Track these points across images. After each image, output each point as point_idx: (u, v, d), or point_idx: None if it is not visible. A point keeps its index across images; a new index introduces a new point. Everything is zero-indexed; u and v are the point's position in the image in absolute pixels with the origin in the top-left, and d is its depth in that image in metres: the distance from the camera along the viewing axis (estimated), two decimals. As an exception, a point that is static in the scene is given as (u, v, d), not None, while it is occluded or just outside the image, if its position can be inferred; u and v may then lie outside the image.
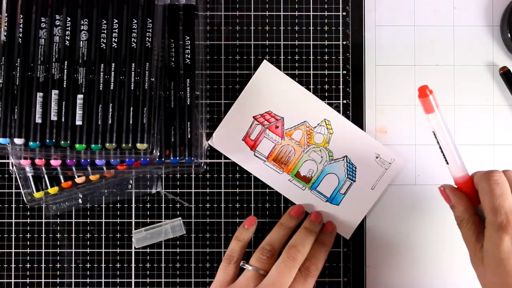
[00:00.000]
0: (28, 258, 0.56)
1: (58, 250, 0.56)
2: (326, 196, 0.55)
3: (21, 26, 0.49)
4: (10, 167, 0.54)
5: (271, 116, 0.55)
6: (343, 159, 0.55)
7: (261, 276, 0.50)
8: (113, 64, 0.50)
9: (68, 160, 0.52)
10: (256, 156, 0.56)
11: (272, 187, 0.56)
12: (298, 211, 0.54)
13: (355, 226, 0.55)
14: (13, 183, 0.56)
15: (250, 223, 0.54)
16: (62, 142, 0.49)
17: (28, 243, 0.56)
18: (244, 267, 0.51)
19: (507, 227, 0.42)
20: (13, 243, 0.56)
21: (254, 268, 0.50)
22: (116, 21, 0.50)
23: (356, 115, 0.56)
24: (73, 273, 0.56)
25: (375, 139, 0.56)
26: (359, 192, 0.55)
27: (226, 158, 0.56)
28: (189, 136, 0.53)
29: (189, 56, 0.53)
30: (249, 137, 0.56)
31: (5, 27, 0.49)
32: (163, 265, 0.56)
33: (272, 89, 0.55)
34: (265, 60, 0.56)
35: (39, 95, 0.49)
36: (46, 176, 0.54)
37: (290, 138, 0.56)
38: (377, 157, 0.55)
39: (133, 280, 0.56)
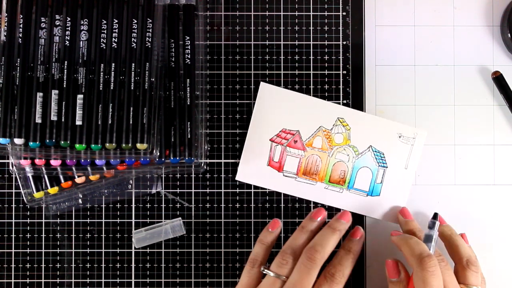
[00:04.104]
0: (28, 258, 0.56)
1: (58, 250, 0.56)
2: (365, 191, 0.55)
3: (21, 26, 0.49)
4: (10, 167, 0.54)
5: (286, 133, 0.55)
6: (369, 150, 0.55)
7: (282, 282, 0.49)
8: (113, 64, 0.50)
9: (68, 160, 0.52)
10: (286, 176, 0.55)
11: (314, 201, 0.56)
12: (318, 213, 0.53)
13: None
14: (13, 183, 0.56)
15: (274, 226, 0.53)
16: (62, 142, 0.49)
17: (28, 243, 0.56)
18: (265, 272, 0.50)
19: None
20: (13, 243, 0.56)
21: (275, 274, 0.49)
22: (116, 21, 0.50)
23: (356, 115, 0.56)
24: (73, 273, 0.56)
25: (375, 139, 0.56)
26: (394, 176, 0.55)
27: (226, 158, 0.56)
28: (189, 136, 0.53)
29: (189, 56, 0.53)
30: (273, 160, 0.55)
31: (5, 27, 0.49)
32: (163, 265, 0.56)
33: (278, 107, 0.55)
34: (262, 82, 0.55)
35: (39, 95, 0.49)
36: (46, 176, 0.54)
37: (312, 148, 0.55)
38: (400, 136, 0.55)
39: (133, 280, 0.56)
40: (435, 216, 0.51)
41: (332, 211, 0.56)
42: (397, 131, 0.55)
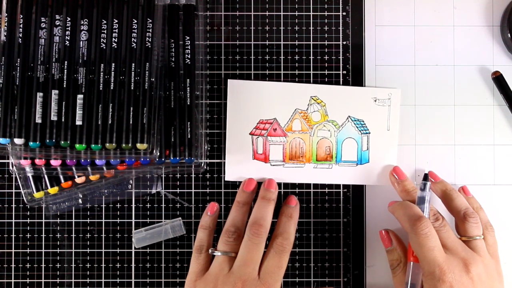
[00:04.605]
0: (28, 258, 0.56)
1: (58, 250, 0.56)
2: (354, 161, 0.56)
3: (21, 26, 0.49)
4: (10, 167, 0.54)
5: (264, 124, 0.56)
6: (348, 120, 0.55)
7: (232, 258, 0.50)
8: (113, 64, 0.50)
9: (68, 160, 0.52)
10: (273, 165, 0.56)
11: (302, 182, 0.56)
12: (249, 184, 0.54)
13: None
14: (13, 183, 0.56)
15: (212, 210, 0.54)
16: (62, 142, 0.49)
17: (28, 243, 0.56)
18: (214, 253, 0.51)
19: (443, 278, 0.45)
20: (13, 243, 0.56)
21: (224, 253, 0.50)
22: (116, 21, 0.50)
23: (356, 115, 0.56)
24: (73, 273, 0.56)
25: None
26: (379, 140, 0.55)
27: (226, 158, 0.56)
28: (189, 136, 0.53)
29: (189, 56, 0.53)
30: (257, 153, 0.56)
31: (5, 27, 0.49)
32: (163, 265, 0.56)
33: (250, 100, 0.55)
34: (229, 80, 0.56)
35: (39, 95, 0.49)
36: (46, 176, 0.54)
37: (292, 132, 0.56)
38: (375, 100, 0.55)
39: (133, 280, 0.56)
40: (425, 177, 0.52)
41: (325, 189, 0.56)
42: (372, 96, 0.55)
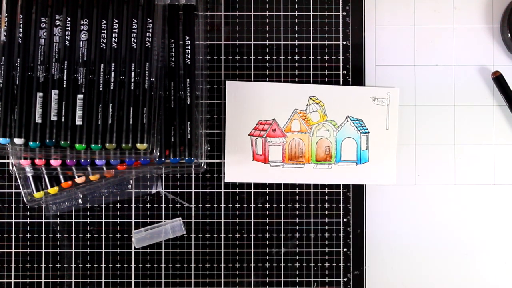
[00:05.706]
0: (28, 258, 0.56)
1: (58, 250, 0.56)
2: (353, 161, 0.56)
3: (21, 26, 0.49)
4: (10, 167, 0.54)
5: (263, 124, 0.56)
6: (347, 120, 0.56)
7: None
8: (113, 64, 0.50)
9: (68, 160, 0.52)
10: (273, 166, 0.56)
11: (302, 183, 0.56)
12: None
13: (394, 169, 0.56)
14: (13, 183, 0.56)
15: None
16: (62, 142, 0.49)
17: (28, 243, 0.56)
18: None
19: None
20: (13, 243, 0.56)
21: None
22: (116, 21, 0.50)
23: (356, 115, 0.56)
24: (73, 273, 0.56)
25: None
26: (378, 139, 0.56)
27: (225, 159, 0.56)
28: (189, 136, 0.53)
29: (189, 56, 0.53)
30: (257, 154, 0.56)
31: (5, 27, 0.49)
32: (163, 265, 0.56)
33: (249, 101, 0.56)
34: (227, 81, 0.56)
35: (39, 95, 0.49)
36: (46, 176, 0.54)
37: (292, 132, 0.56)
38: (374, 100, 0.55)
39: (133, 280, 0.56)
40: None
41: (325, 189, 0.56)
42: (370, 95, 0.55)
